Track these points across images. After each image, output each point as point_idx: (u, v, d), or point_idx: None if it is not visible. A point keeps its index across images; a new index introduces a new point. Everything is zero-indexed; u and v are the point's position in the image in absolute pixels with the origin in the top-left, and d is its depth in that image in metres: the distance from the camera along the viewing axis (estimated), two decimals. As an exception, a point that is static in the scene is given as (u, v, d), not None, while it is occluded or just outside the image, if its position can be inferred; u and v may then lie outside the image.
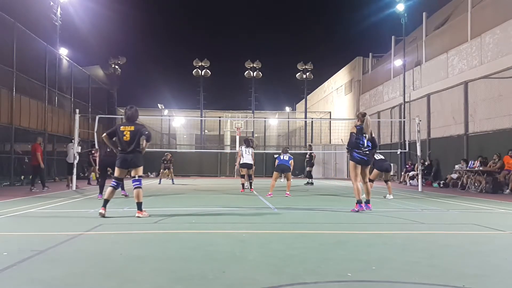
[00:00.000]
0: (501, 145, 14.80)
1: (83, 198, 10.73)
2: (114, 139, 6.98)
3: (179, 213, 7.42)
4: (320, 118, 34.57)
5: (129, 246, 4.47)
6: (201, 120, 31.54)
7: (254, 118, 31.90)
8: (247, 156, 12.75)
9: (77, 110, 14.71)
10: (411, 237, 5.27)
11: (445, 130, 19.41)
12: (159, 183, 17.89)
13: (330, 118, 34.38)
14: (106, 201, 6.72)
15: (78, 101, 22.63)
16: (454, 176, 16.89)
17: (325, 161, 28.76)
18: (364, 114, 7.97)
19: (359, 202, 7.74)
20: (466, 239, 5.18)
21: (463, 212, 8.10)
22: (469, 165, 15.85)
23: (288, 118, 36.83)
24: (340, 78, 36.46)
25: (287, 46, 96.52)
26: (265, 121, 32.16)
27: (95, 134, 14.54)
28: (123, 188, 11.07)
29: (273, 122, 34.43)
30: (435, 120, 20.38)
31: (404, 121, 21.85)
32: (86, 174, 18.76)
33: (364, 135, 7.78)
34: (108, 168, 10.31)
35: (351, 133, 7.86)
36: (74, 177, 13.85)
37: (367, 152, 7.81)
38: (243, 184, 13.42)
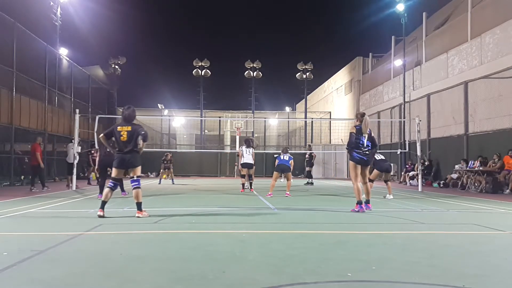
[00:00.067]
0: (501, 145, 14.79)
1: (83, 198, 10.74)
2: (112, 139, 6.98)
3: (179, 213, 7.42)
4: (320, 118, 34.56)
5: (129, 246, 4.47)
6: (201, 120, 31.54)
7: (254, 118, 31.89)
8: (247, 156, 12.79)
9: (77, 110, 14.72)
10: (411, 237, 5.27)
11: (445, 130, 19.40)
12: (159, 183, 17.90)
13: (330, 118, 34.38)
14: (103, 203, 6.70)
15: (78, 101, 22.63)
16: (454, 176, 16.89)
17: (325, 161, 28.75)
18: (363, 114, 7.97)
19: (359, 202, 7.73)
20: (466, 239, 5.18)
21: (463, 212, 8.10)
22: (469, 165, 15.85)
23: (288, 118, 36.84)
24: (340, 78, 36.45)
25: (287, 46, 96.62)
26: (265, 121, 32.15)
27: (95, 134, 14.52)
28: (122, 189, 11.08)
29: (273, 122, 34.42)
30: (435, 120, 20.37)
31: (404, 121, 21.83)
32: (86, 174, 18.76)
33: (363, 135, 7.79)
34: (108, 168, 10.29)
35: (350, 133, 7.86)
36: (74, 177, 13.86)
37: (367, 152, 7.81)
38: (243, 184, 13.43)
